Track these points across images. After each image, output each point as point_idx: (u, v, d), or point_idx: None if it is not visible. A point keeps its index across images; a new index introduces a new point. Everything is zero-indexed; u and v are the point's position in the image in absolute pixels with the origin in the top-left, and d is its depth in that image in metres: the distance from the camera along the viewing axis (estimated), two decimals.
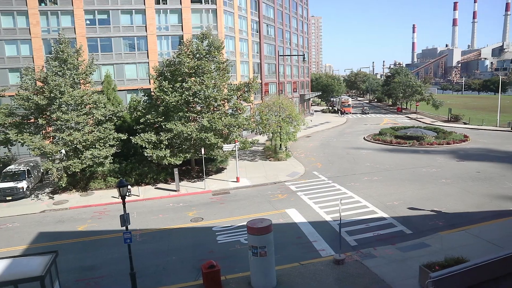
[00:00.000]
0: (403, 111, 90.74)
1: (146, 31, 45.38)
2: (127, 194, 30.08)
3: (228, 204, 27.43)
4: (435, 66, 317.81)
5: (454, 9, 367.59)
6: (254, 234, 15.05)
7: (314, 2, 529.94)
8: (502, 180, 29.94)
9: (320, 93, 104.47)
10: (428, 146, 45.11)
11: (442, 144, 45.45)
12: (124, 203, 15.54)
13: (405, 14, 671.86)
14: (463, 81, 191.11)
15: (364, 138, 52.67)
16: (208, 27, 34.79)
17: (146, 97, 34.85)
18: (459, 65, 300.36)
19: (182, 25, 46.35)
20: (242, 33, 53.70)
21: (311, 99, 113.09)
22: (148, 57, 45.60)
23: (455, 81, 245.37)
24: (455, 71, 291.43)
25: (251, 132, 45.93)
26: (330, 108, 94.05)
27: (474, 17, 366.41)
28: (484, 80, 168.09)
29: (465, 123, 64.54)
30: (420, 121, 70.06)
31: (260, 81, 60.25)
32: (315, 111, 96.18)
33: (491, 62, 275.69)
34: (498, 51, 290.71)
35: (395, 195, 27.24)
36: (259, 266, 15.29)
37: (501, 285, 14.82)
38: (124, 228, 15.81)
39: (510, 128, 55.78)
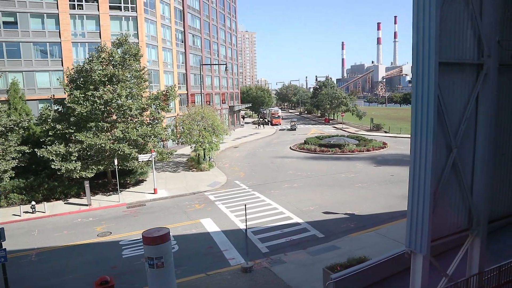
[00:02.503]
0: (331, 121, 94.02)
1: (60, 37, 42.63)
2: (32, 210, 27.63)
3: (142, 216, 25.94)
4: (363, 81, 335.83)
5: (378, 29, 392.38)
6: (149, 244, 13.98)
7: (249, 18, 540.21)
8: None
9: (250, 104, 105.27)
10: (350, 153, 46.65)
11: (363, 151, 47.26)
12: None
13: (335, 32, 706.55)
14: (386, 95, 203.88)
15: (290, 147, 53.36)
16: (124, 34, 33.18)
17: (59, 107, 32.34)
18: (384, 80, 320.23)
19: (100, 32, 44.23)
20: (165, 42, 52.46)
21: (244, 111, 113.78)
22: (62, 65, 42.69)
23: (381, 95, 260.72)
24: (381, 86, 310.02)
25: (176, 143, 44.66)
26: (261, 119, 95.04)
27: (395, 37, 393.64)
28: (404, 94, 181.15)
29: (385, 132, 68.09)
30: (345, 131, 72.76)
31: (186, 92, 59.21)
32: (246, 123, 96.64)
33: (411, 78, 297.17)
34: None
35: (312, 201, 27.41)
36: (156, 279, 14.18)
37: (404, 280, 15.00)
38: None
39: None
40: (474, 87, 10.08)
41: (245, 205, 17.84)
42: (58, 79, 34.31)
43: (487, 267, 11.46)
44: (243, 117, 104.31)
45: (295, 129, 79.13)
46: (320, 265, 16.75)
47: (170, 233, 21.83)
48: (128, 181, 34.38)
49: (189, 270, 17.40)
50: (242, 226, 22.84)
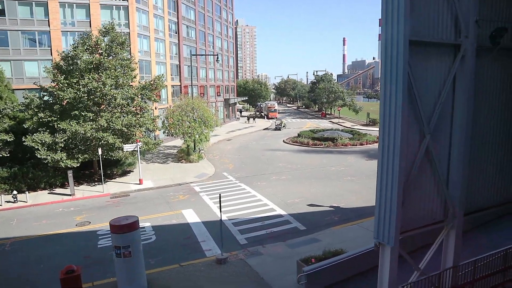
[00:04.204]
0: (327, 116, 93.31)
1: (49, 25, 41.89)
2: (14, 200, 27.10)
3: (124, 206, 25.41)
4: (363, 77, 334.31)
5: (379, 25, 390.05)
6: (116, 232, 13.45)
7: (250, 12, 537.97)
8: None
9: (247, 98, 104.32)
10: (343, 147, 46.07)
11: (356, 145, 46.69)
12: None
13: (337, 28, 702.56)
14: None
15: (283, 140, 52.76)
16: (111, 22, 32.48)
17: (45, 94, 31.65)
18: None
19: (90, 21, 43.44)
20: (158, 33, 51.65)
21: (241, 104, 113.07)
22: (51, 54, 41.97)
23: None
24: None
25: (167, 135, 43.99)
26: (258, 113, 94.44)
27: None
28: None
29: None
30: (341, 125, 72.09)
31: (180, 83, 58.53)
32: (242, 116, 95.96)
33: None
34: None
35: (298, 193, 26.85)
36: (124, 269, 13.68)
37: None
38: None
39: None
40: (451, 69, 9.42)
41: (220, 194, 17.37)
42: (44, 67, 33.62)
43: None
44: (240, 111, 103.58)
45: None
46: (298, 257, 16.22)
47: (150, 224, 21.62)
48: (115, 172, 33.86)
49: (164, 260, 16.93)
50: (223, 217, 22.31)
